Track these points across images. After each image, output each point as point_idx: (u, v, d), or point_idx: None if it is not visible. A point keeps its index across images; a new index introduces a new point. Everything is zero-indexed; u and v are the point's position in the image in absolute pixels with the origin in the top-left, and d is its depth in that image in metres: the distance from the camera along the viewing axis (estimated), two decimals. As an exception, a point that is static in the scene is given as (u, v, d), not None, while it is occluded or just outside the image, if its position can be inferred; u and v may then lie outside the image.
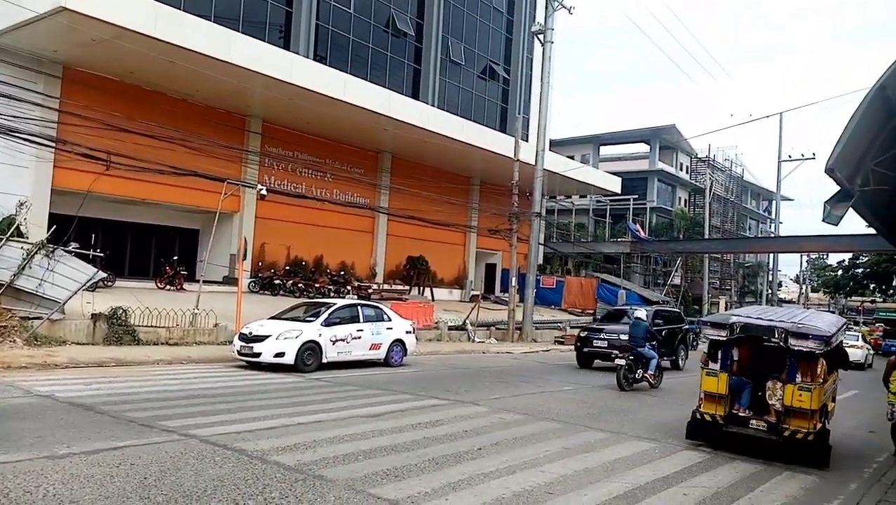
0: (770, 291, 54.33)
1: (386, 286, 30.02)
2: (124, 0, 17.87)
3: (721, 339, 8.86)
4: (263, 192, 20.08)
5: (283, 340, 13.63)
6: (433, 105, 32.03)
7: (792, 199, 69.77)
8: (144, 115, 19.90)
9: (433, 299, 31.26)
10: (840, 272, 56.37)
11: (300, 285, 25.87)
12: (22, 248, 14.61)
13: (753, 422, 8.74)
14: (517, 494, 6.12)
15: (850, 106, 9.96)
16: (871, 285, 52.16)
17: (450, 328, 24.17)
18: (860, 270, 51.29)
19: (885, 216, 13.03)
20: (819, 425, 8.50)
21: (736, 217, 57.34)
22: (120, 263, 23.64)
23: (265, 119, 26.19)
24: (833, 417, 9.95)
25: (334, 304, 15.60)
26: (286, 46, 26.00)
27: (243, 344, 13.90)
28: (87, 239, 18.17)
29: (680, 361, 20.02)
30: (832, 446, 8.78)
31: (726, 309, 46.21)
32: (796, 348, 8.32)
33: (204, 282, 19.75)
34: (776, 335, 8.41)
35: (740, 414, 8.91)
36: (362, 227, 31.08)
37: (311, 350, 13.92)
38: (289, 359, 13.52)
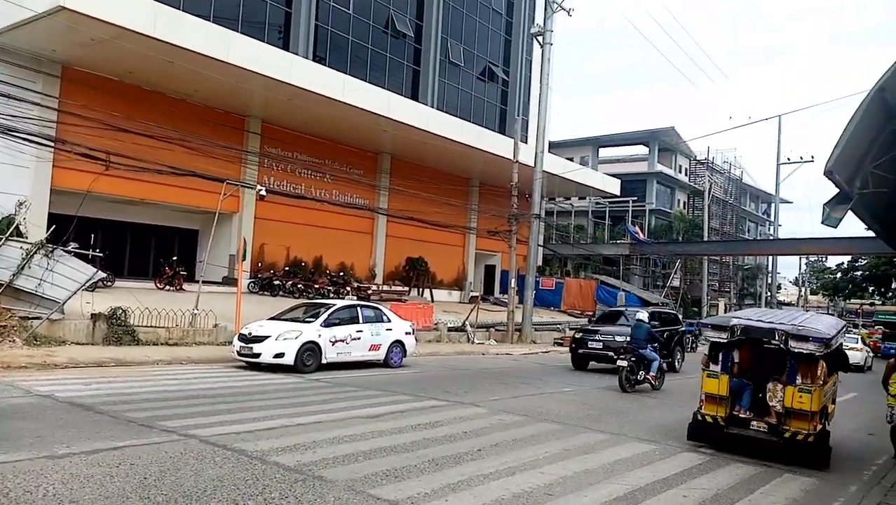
0: (769, 294, 54.40)
1: (385, 287, 30.01)
2: (123, 0, 17.87)
3: (722, 341, 8.92)
4: (263, 192, 20.05)
5: (282, 340, 13.62)
6: (432, 106, 32.05)
7: (791, 202, 69.89)
8: (144, 115, 19.88)
9: (432, 300, 31.27)
10: (839, 275, 56.44)
11: (299, 286, 25.86)
12: (21, 247, 14.60)
13: (754, 423, 8.78)
14: (517, 496, 6.12)
15: (849, 108, 9.97)
16: (870, 288, 52.23)
17: (449, 329, 24.16)
18: (859, 273, 51.36)
19: (885, 219, 13.02)
20: (819, 427, 8.54)
21: (735, 219, 57.41)
22: (119, 264, 23.63)
23: (264, 119, 26.19)
24: (833, 419, 9.99)
25: (334, 304, 15.59)
26: (285, 47, 26.01)
27: (243, 344, 13.89)
28: (87, 239, 18.15)
29: (676, 364, 19.84)
30: (832, 448, 8.82)
31: (725, 311, 46.25)
32: (796, 350, 8.37)
33: (203, 282, 19.73)
34: (777, 337, 8.46)
35: (741, 415, 8.96)
36: (362, 228, 31.08)
37: (310, 351, 13.91)
38: (288, 359, 13.51)
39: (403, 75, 33.27)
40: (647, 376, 14.76)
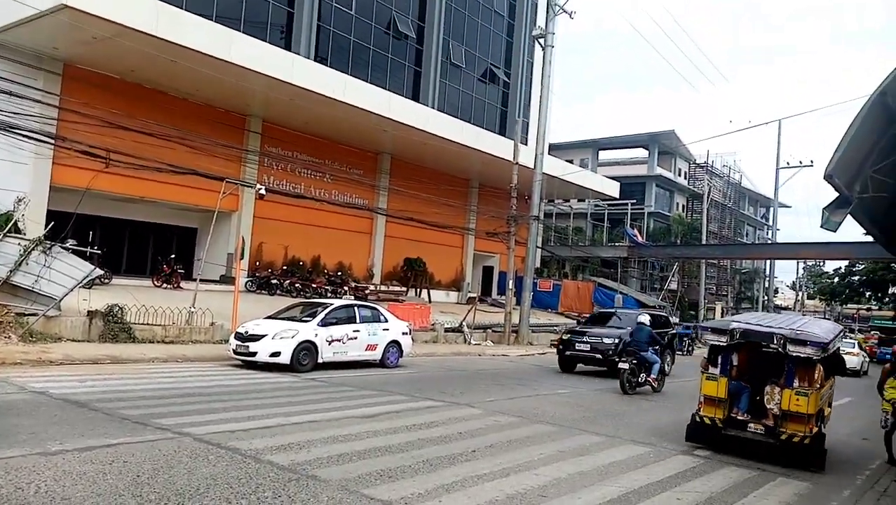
0: (766, 298, 54.42)
1: (383, 287, 30.00)
2: (125, -2, 17.88)
3: (721, 344, 9.02)
4: (262, 191, 20.03)
5: (279, 339, 13.61)
6: (433, 107, 32.05)
7: (790, 207, 69.75)
8: (144, 114, 19.86)
9: (430, 301, 31.27)
10: (836, 280, 56.42)
11: (297, 285, 25.85)
12: (19, 244, 14.60)
13: (751, 425, 8.90)
14: (511, 497, 6.12)
15: (850, 112, 9.99)
16: (867, 293, 52.20)
17: (446, 330, 24.15)
18: (856, 278, 51.34)
19: (884, 223, 13.04)
20: (815, 429, 8.63)
21: (733, 223, 57.44)
22: (117, 261, 23.63)
23: (265, 119, 26.20)
24: (829, 423, 10.04)
25: (331, 304, 15.58)
26: (287, 47, 26.00)
27: (239, 343, 13.89)
28: (85, 236, 18.12)
29: (665, 367, 19.60)
30: (827, 450, 8.88)
31: (722, 315, 46.33)
32: (794, 354, 8.46)
33: (201, 280, 19.73)
34: (775, 341, 8.57)
35: (739, 417, 9.07)
36: (360, 228, 31.07)
37: (307, 350, 13.90)
38: (284, 358, 13.50)
39: (405, 76, 33.27)
40: (648, 379, 14.82)
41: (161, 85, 22.27)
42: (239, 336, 14.05)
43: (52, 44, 19.18)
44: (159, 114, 20.92)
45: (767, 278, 55.67)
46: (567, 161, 41.86)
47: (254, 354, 13.57)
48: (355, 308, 15.94)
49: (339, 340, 14.66)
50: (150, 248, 26.05)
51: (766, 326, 9.00)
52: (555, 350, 19.42)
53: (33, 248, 14.46)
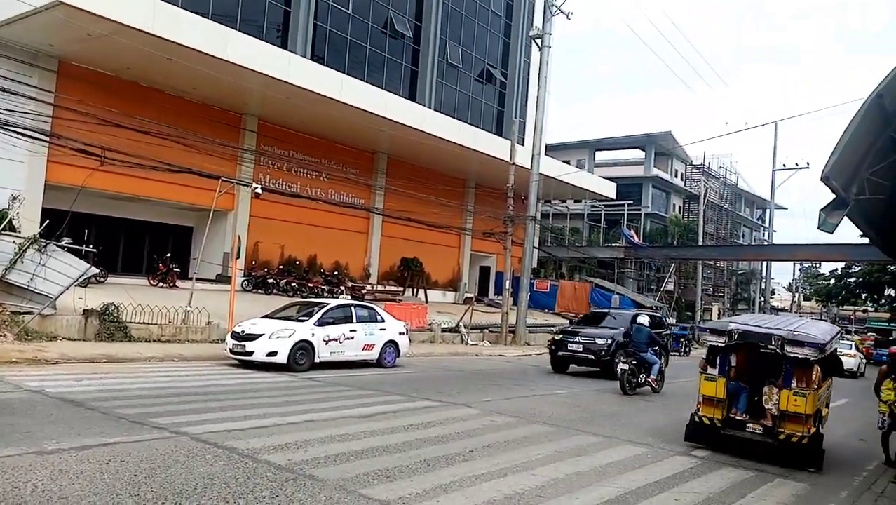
0: (763, 299, 54.51)
1: (380, 287, 29.95)
2: (122, -4, 17.81)
3: (720, 345, 9.09)
4: (258, 190, 20.01)
5: (275, 339, 13.58)
6: (430, 107, 32.02)
7: (786, 208, 69.96)
8: (140, 112, 19.78)
9: (427, 301, 31.24)
10: (832, 281, 56.54)
11: (293, 285, 25.79)
12: (14, 242, 14.54)
13: (750, 425, 8.98)
14: (508, 497, 6.10)
15: (847, 114, 10.01)
16: (863, 295, 52.35)
17: (443, 330, 24.14)
18: (852, 280, 51.47)
19: (880, 225, 13.07)
20: (813, 429, 8.69)
21: (730, 224, 57.53)
22: (113, 260, 23.53)
23: (261, 117, 26.13)
24: (826, 423, 10.08)
25: (327, 303, 15.55)
26: (284, 46, 25.95)
27: (235, 342, 13.85)
28: (80, 234, 18.07)
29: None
30: (825, 450, 8.94)
31: (719, 316, 46.40)
32: (792, 355, 8.54)
33: (197, 279, 19.67)
34: (773, 342, 8.64)
35: (737, 418, 9.15)
36: (357, 228, 31.02)
37: (303, 349, 13.87)
38: (281, 358, 13.47)
39: (401, 76, 33.24)
40: (648, 379, 14.91)
41: (157, 83, 22.20)
42: (235, 335, 14.01)
43: (47, 41, 19.10)
44: (155, 112, 20.84)
45: (764, 280, 55.74)
46: (564, 161, 41.85)
47: (250, 353, 13.53)
48: (352, 308, 15.91)
49: (335, 340, 14.63)
50: (145, 247, 25.95)
51: (765, 328, 9.06)
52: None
53: (28, 247, 14.39)
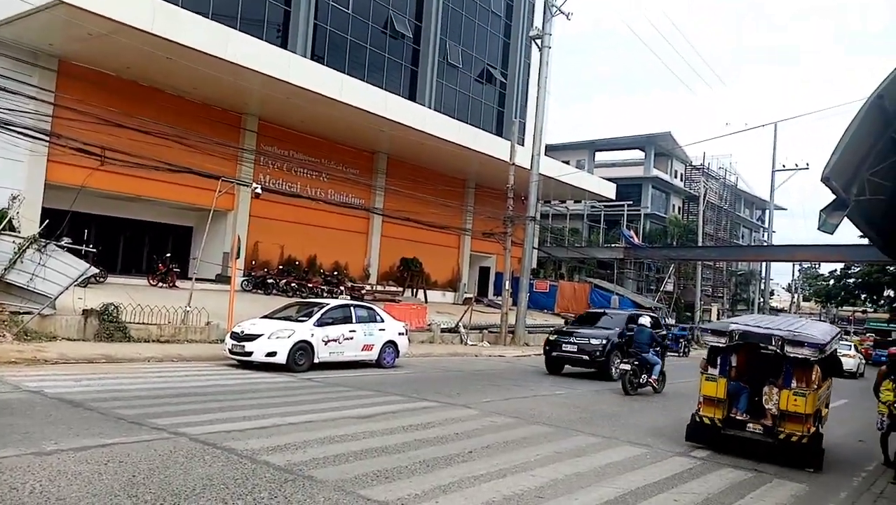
0: (762, 300, 54.51)
1: (379, 287, 29.94)
2: (122, -5, 17.81)
3: (721, 345, 9.14)
4: (258, 190, 20.00)
5: (275, 339, 13.57)
6: (430, 107, 32.02)
7: (785, 209, 69.97)
8: (140, 111, 19.78)
9: (426, 301, 31.23)
10: (832, 282, 56.54)
11: (293, 285, 25.78)
12: (14, 242, 14.52)
13: (750, 425, 9.04)
14: (507, 498, 6.10)
15: (847, 114, 10.01)
16: (863, 295, 52.35)
17: (442, 330, 24.13)
18: (851, 280, 51.47)
19: (881, 226, 13.07)
20: (813, 429, 8.75)
21: (729, 225, 57.54)
22: (112, 260, 23.52)
23: (261, 117, 26.12)
24: (826, 423, 10.13)
25: (327, 304, 15.54)
26: (284, 45, 25.95)
27: (235, 343, 13.84)
28: (80, 234, 18.06)
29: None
30: (825, 450, 8.98)
31: (718, 316, 46.40)
32: (792, 355, 8.59)
33: (196, 280, 19.66)
34: (773, 343, 8.70)
35: (738, 417, 9.22)
36: (357, 228, 31.01)
37: (302, 350, 13.86)
38: (280, 358, 13.46)
39: (401, 76, 33.24)
40: (650, 380, 14.99)
41: (157, 82, 22.19)
42: (235, 336, 13.99)
43: (47, 40, 19.09)
44: (155, 111, 20.83)
45: (763, 280, 55.75)
46: (564, 162, 41.85)
47: (250, 353, 13.52)
48: (351, 308, 15.91)
49: (335, 340, 14.63)
50: (145, 247, 25.95)
51: (765, 328, 9.12)
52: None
53: (28, 247, 14.37)
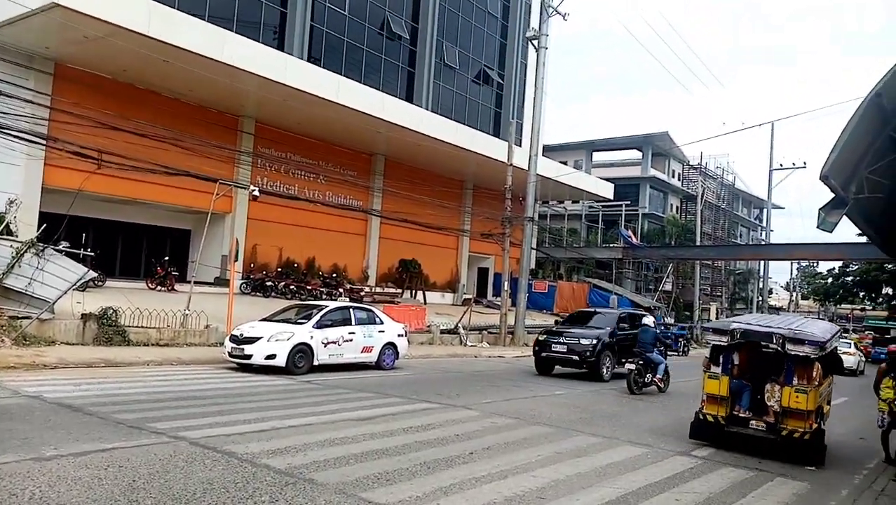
0: (760, 298, 54.56)
1: (378, 289, 29.93)
2: (118, -2, 17.78)
3: (722, 344, 9.27)
4: (256, 193, 19.97)
5: (274, 341, 13.55)
6: (427, 109, 32.01)
7: (783, 208, 69.93)
8: (137, 114, 19.76)
9: (425, 303, 31.21)
10: (830, 280, 56.56)
11: (292, 287, 25.75)
12: (11, 246, 14.48)
13: (753, 422, 9.13)
14: (509, 499, 6.08)
15: (845, 113, 10.00)
16: (861, 293, 52.36)
17: (442, 332, 24.11)
18: (850, 279, 51.47)
19: (879, 224, 13.07)
20: (815, 425, 8.83)
21: (727, 224, 57.56)
22: (111, 263, 23.47)
23: (258, 120, 26.10)
24: (828, 419, 10.21)
25: (326, 306, 15.52)
26: (280, 47, 25.92)
27: (234, 346, 13.81)
28: (78, 238, 18.02)
29: None
30: (827, 446, 9.06)
31: (717, 315, 46.40)
32: (793, 353, 8.70)
33: (195, 283, 19.62)
34: (774, 340, 8.82)
35: (741, 415, 9.30)
36: (355, 230, 30.99)
37: (302, 352, 13.84)
38: (280, 361, 13.44)
39: (398, 77, 33.23)
40: (654, 379, 15.07)
41: (154, 85, 22.16)
42: (234, 339, 13.97)
43: (43, 43, 19.05)
44: (152, 114, 20.83)
45: (761, 279, 55.78)
46: (561, 162, 41.88)
47: (249, 356, 13.50)
48: (350, 310, 15.89)
49: (334, 343, 14.60)
50: (143, 251, 25.90)
51: (766, 327, 9.22)
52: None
53: (26, 251, 14.33)
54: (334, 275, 28.69)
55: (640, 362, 14.86)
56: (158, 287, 22.04)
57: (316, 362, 14.12)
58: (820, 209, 9.15)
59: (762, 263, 53.73)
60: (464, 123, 32.31)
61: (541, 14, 28.26)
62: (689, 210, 56.05)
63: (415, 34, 33.87)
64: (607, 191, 40.59)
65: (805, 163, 50.44)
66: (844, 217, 9.83)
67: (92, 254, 16.90)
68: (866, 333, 54.97)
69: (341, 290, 27.25)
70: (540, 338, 17.92)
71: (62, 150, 17.05)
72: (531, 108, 29.17)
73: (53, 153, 18.41)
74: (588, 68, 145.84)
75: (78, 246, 16.64)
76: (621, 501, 6.36)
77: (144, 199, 23.09)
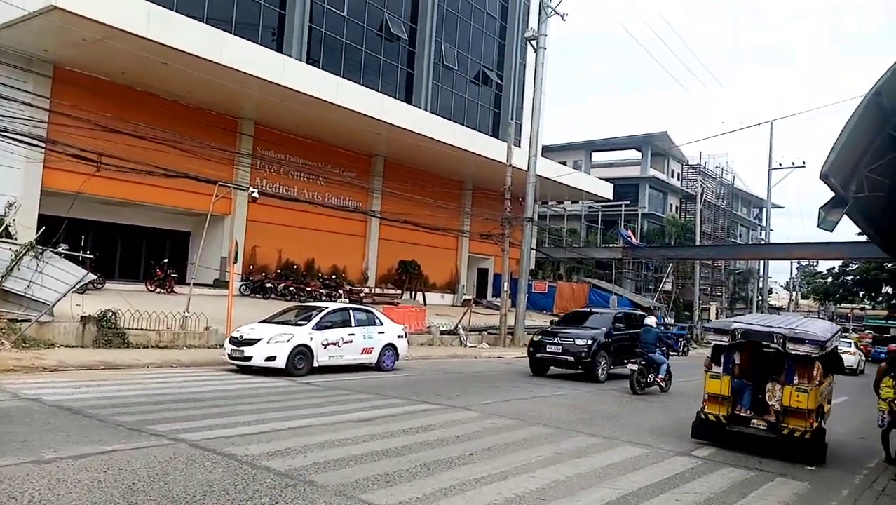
0: (760, 298, 54.56)
1: (378, 290, 29.93)
2: (116, 0, 17.76)
3: (724, 344, 9.32)
4: (255, 194, 19.95)
5: (274, 343, 13.53)
6: (426, 109, 32.05)
7: (782, 207, 70.01)
8: (135, 116, 19.76)
9: (425, 304, 31.21)
10: (830, 279, 56.56)
11: (291, 289, 25.75)
12: (10, 249, 14.45)
13: (754, 421, 9.18)
14: (509, 500, 6.07)
15: (844, 113, 10.01)
16: (861, 293, 52.37)
17: (442, 333, 24.09)
18: (850, 278, 51.47)
19: (879, 223, 13.07)
20: (815, 424, 8.87)
21: (727, 224, 57.57)
22: (110, 266, 23.47)
23: (257, 121, 26.11)
24: (829, 418, 10.23)
25: (326, 307, 15.51)
26: (279, 49, 25.94)
27: (234, 347, 13.79)
28: (77, 241, 18.02)
29: None
30: (828, 445, 9.09)
31: (717, 315, 46.42)
32: (794, 352, 8.73)
33: (194, 285, 19.58)
34: (775, 340, 8.85)
35: (742, 414, 9.35)
36: (354, 231, 31.00)
37: (302, 354, 13.82)
38: (280, 363, 13.42)
39: (397, 78, 33.25)
40: (657, 379, 15.09)
41: (152, 87, 22.17)
42: (234, 340, 13.95)
43: (41, 46, 19.07)
44: (151, 116, 20.83)
45: (761, 279, 55.79)
46: (560, 163, 41.89)
47: (249, 358, 13.48)
48: (350, 311, 15.87)
49: (334, 344, 14.59)
50: (142, 253, 25.91)
51: (767, 326, 9.25)
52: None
53: (25, 253, 14.31)
54: (334, 276, 28.69)
55: (643, 362, 14.88)
56: (158, 289, 22.03)
57: (316, 364, 14.11)
58: (820, 208, 9.16)
59: (762, 262, 53.75)
60: (463, 124, 32.34)
61: (539, 14, 28.26)
62: (689, 210, 56.07)
63: (413, 35, 33.89)
64: (606, 191, 40.61)
65: (804, 162, 50.50)
66: (844, 216, 9.83)
67: (91, 256, 16.89)
68: (866, 332, 54.93)
69: (341, 291, 27.25)
70: (535, 338, 17.69)
71: (61, 152, 17.03)
72: (530, 108, 29.17)
73: (52, 156, 18.39)
74: (587, 68, 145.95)
75: (77, 248, 16.63)
76: (621, 502, 6.35)
77: (143, 201, 23.10)
